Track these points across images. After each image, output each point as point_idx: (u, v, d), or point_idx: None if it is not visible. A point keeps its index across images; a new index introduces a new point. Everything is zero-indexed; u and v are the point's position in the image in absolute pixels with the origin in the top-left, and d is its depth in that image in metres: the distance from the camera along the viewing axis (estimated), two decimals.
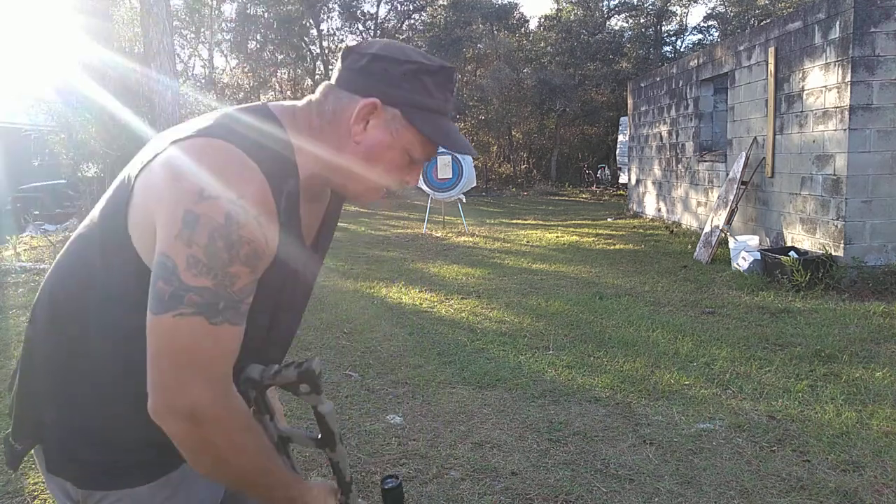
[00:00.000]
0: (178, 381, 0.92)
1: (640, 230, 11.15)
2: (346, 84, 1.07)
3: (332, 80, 1.10)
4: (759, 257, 6.93)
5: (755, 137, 8.17)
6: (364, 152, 1.07)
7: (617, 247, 9.37)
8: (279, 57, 25.96)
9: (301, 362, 1.06)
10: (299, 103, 1.12)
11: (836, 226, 6.46)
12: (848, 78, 6.27)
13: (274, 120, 1.06)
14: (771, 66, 7.71)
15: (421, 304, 6.04)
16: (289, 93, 28.16)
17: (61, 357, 1.06)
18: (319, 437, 1.15)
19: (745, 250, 7.17)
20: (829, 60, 6.59)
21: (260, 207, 0.95)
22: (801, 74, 7.12)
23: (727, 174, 8.78)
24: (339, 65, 1.09)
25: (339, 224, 1.36)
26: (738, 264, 7.18)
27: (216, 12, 26.32)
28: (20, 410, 1.11)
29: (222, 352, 0.95)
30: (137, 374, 0.98)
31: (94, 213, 1.09)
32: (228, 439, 0.97)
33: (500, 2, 25.47)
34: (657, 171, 12.33)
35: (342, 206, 1.29)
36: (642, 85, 13.34)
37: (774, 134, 7.68)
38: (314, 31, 26.83)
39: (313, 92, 1.14)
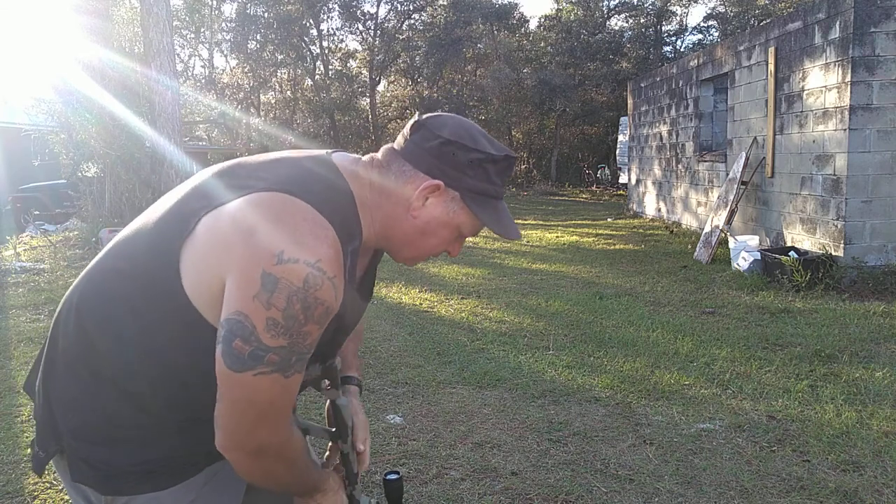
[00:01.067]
0: (252, 428, 0.99)
1: (640, 230, 11.15)
2: (412, 159, 1.10)
3: (397, 147, 1.13)
4: (759, 257, 6.93)
5: (755, 137, 8.17)
6: (420, 226, 1.12)
7: (617, 247, 9.37)
8: (279, 57, 25.97)
9: (324, 361, 1.17)
10: (362, 159, 1.15)
11: (836, 226, 6.46)
12: (848, 78, 6.27)
13: (340, 178, 1.09)
14: (771, 66, 7.71)
15: (421, 304, 6.04)
16: (288, 92, 28.18)
17: (85, 369, 1.07)
18: (333, 429, 1.24)
19: (745, 250, 7.17)
20: (829, 60, 6.59)
21: (334, 268, 0.98)
22: (801, 74, 7.12)
23: (727, 174, 8.78)
24: (406, 133, 1.12)
25: None
26: (738, 264, 7.18)
27: (216, 12, 26.32)
28: (43, 418, 1.12)
29: (290, 397, 1.02)
30: (166, 394, 1.05)
31: (141, 230, 1.08)
32: (284, 464, 1.07)
33: (500, 2, 25.48)
34: (657, 171, 12.33)
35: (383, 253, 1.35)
36: (642, 85, 13.34)
37: (774, 134, 7.68)
38: (314, 31, 26.85)
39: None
